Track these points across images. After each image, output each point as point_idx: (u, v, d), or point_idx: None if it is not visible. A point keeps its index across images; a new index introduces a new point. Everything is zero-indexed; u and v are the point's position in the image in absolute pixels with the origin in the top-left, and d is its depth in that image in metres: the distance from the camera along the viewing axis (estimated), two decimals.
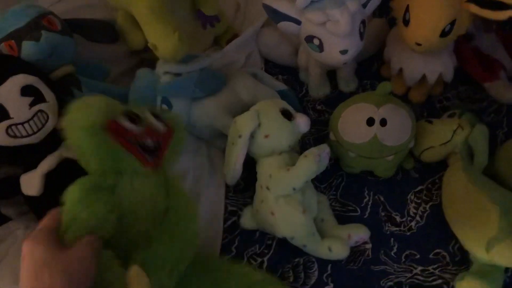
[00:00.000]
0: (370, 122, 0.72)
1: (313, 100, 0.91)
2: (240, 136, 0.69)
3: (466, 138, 0.74)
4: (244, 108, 0.79)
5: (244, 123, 0.69)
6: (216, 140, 0.80)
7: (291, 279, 0.70)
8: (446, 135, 0.75)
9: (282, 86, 0.85)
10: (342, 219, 0.74)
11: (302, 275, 0.70)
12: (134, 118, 0.62)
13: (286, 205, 0.67)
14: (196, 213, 0.66)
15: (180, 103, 0.76)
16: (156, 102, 0.75)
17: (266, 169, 0.70)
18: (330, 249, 0.68)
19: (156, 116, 0.66)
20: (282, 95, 0.83)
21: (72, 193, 0.53)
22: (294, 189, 0.67)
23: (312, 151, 0.66)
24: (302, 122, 0.71)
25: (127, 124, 0.60)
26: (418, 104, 0.89)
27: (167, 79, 0.74)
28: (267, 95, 0.79)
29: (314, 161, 0.65)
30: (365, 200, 0.78)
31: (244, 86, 0.79)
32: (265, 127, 0.69)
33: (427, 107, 0.89)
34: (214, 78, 0.77)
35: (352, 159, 0.76)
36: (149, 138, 0.63)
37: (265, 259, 0.72)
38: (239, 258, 0.72)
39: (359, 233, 0.71)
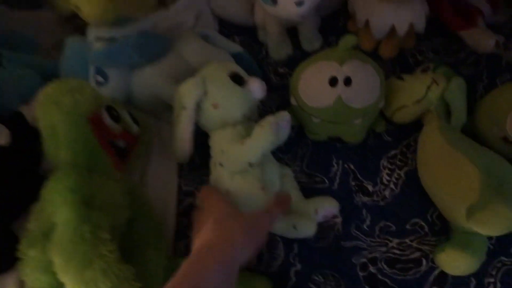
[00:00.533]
0: (333, 82, 0.63)
1: (274, 63, 0.82)
2: (184, 108, 0.60)
3: (441, 94, 0.67)
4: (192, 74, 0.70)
5: (187, 92, 0.60)
6: (163, 113, 0.71)
7: (254, 261, 0.63)
8: (419, 91, 0.67)
9: (237, 48, 0.76)
10: (309, 191, 0.67)
11: (266, 256, 0.63)
12: (114, 114, 0.59)
13: (243, 182, 0.60)
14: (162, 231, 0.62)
15: (117, 74, 0.66)
16: (89, 74, 0.66)
17: (218, 144, 0.62)
18: (295, 227, 0.61)
19: (132, 115, 0.64)
20: (238, 58, 0.74)
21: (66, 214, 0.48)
22: (250, 164, 0.59)
23: (269, 120, 0.58)
24: (256, 87, 0.62)
25: (108, 120, 0.58)
26: (389, 59, 0.80)
27: (100, 46, 0.64)
28: (219, 59, 0.70)
29: (271, 131, 0.57)
30: (333, 169, 0.70)
31: (193, 50, 0.69)
32: (212, 95, 0.61)
33: (399, 62, 0.81)
34: (155, 42, 0.67)
35: (316, 125, 0.68)
36: (122, 138, 0.60)
37: None
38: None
39: (327, 207, 0.64)
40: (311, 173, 0.70)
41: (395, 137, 0.72)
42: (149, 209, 0.61)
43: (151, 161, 0.69)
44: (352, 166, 0.70)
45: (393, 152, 0.71)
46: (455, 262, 0.58)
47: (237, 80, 0.62)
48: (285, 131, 0.59)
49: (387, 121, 0.73)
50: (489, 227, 0.54)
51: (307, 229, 0.62)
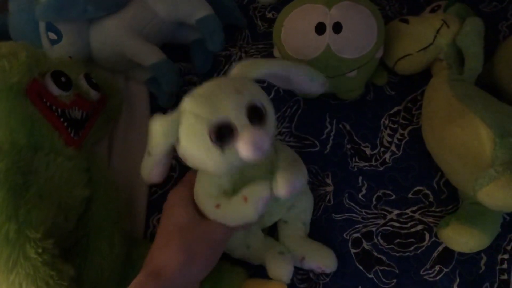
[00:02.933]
0: (320, 29, 0.53)
1: (262, 7, 0.71)
2: (149, 154, 0.47)
3: (453, 38, 0.56)
4: (163, 27, 0.61)
5: (154, 138, 0.45)
6: (133, 71, 0.63)
7: None
8: (426, 36, 0.57)
9: None
10: (300, 155, 0.58)
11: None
12: (63, 80, 0.51)
13: None
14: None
15: (71, 29, 0.57)
16: (39, 31, 0.58)
17: (196, 186, 0.48)
18: (268, 269, 0.50)
19: (90, 79, 0.55)
20: (216, 4, 0.64)
21: None
22: None
23: (258, 195, 0.43)
24: (245, 150, 0.41)
25: (53, 88, 0.50)
26: None
27: None
28: (191, 7, 0.60)
29: (254, 209, 0.43)
30: (326, 130, 0.61)
31: None
32: (184, 149, 0.44)
33: (408, 3, 0.69)
34: None
35: None
36: (76, 108, 0.52)
37: None
38: None
39: (319, 263, 0.52)
40: (300, 136, 0.61)
41: (398, 90, 0.62)
42: (111, 187, 0.54)
43: (119, 129, 0.62)
44: (348, 126, 0.61)
45: (396, 109, 0.61)
46: (462, 237, 0.49)
47: (221, 136, 0.41)
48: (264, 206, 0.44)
49: (390, 72, 0.62)
50: (499, 202, 0.45)
51: (278, 278, 0.49)
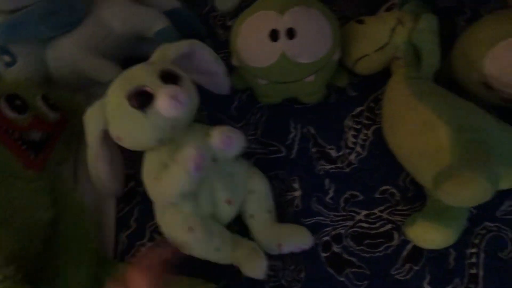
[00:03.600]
0: (274, 35, 0.53)
1: (222, 15, 0.71)
2: (89, 147, 0.50)
3: (409, 36, 0.56)
4: (121, 42, 0.61)
5: (87, 126, 0.49)
6: (94, 88, 0.62)
7: None
8: (382, 36, 0.57)
9: (174, 4, 0.66)
10: (265, 162, 0.58)
11: None
12: (18, 104, 0.51)
13: (171, 220, 0.50)
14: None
15: (26, 50, 0.58)
16: None
17: (143, 171, 0.51)
18: (241, 265, 0.51)
19: (47, 100, 0.55)
20: (175, 14, 0.64)
21: None
22: (170, 201, 0.49)
23: (185, 156, 0.45)
24: (164, 105, 0.45)
25: (8, 111, 0.50)
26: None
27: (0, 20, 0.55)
28: (148, 21, 0.60)
29: (186, 170, 0.45)
30: (291, 135, 0.61)
31: (114, 13, 0.60)
32: (113, 126, 0.48)
33: (364, 2, 0.69)
34: (66, 7, 0.57)
35: (265, 87, 0.58)
36: (35, 130, 0.52)
37: None
38: (139, 234, 0.58)
39: (295, 243, 0.53)
40: (266, 142, 0.61)
41: (361, 91, 0.62)
42: (77, 207, 0.54)
43: (84, 148, 0.61)
44: (312, 130, 0.61)
45: (359, 109, 0.61)
46: (429, 235, 0.50)
47: (140, 99, 0.46)
48: (204, 166, 0.46)
49: (351, 73, 0.62)
50: (458, 198, 0.45)
51: (254, 273, 0.51)
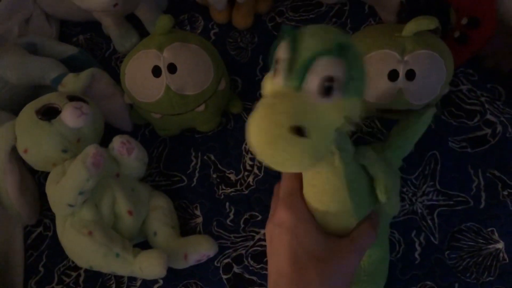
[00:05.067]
0: (156, 72, 0.55)
1: (123, 57, 0.73)
2: None
3: None
4: (18, 92, 0.63)
5: None
6: None
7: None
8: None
9: (71, 51, 0.68)
10: (169, 193, 0.60)
11: (125, 283, 0.57)
12: None
13: (70, 229, 0.52)
14: None
15: None
16: None
17: (47, 185, 0.54)
18: (141, 269, 0.52)
19: None
20: (73, 60, 0.67)
21: None
22: (70, 205, 0.51)
23: (85, 152, 0.50)
24: (67, 115, 0.52)
25: None
26: (246, 29, 0.72)
27: None
28: (43, 69, 0.62)
29: (83, 167, 0.49)
30: (192, 164, 0.63)
31: (6, 65, 0.61)
32: (20, 140, 0.53)
33: (257, 30, 0.72)
34: None
35: (160, 120, 0.60)
36: None
37: (82, 271, 0.59)
38: (49, 278, 0.58)
39: (201, 251, 0.55)
40: (169, 173, 0.63)
41: None
42: None
43: None
44: (212, 157, 0.63)
45: None
46: None
47: (49, 113, 0.52)
48: (101, 164, 0.50)
49: (247, 99, 0.66)
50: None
51: (154, 272, 0.52)
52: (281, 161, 0.33)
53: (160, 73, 0.55)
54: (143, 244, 0.57)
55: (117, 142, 0.54)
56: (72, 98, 0.55)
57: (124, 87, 0.59)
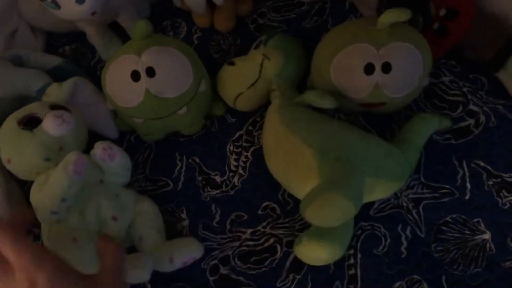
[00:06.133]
0: (135, 76, 0.56)
1: None
2: None
3: (278, 68, 0.60)
4: (4, 104, 0.64)
5: None
6: None
7: None
8: (252, 73, 0.60)
9: (56, 61, 0.69)
10: (155, 198, 0.60)
11: None
12: None
13: (56, 237, 0.53)
14: None
15: None
16: None
17: (31, 194, 0.54)
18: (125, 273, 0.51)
19: None
20: (58, 70, 0.67)
21: None
22: (54, 212, 0.51)
23: (66, 159, 0.51)
24: (48, 124, 0.53)
25: None
26: (228, 32, 0.73)
27: None
28: (27, 81, 0.63)
29: (64, 173, 0.50)
30: (177, 168, 0.63)
31: None
32: (4, 150, 0.54)
33: (240, 33, 0.73)
34: None
35: (143, 125, 0.61)
36: None
37: None
38: None
39: (186, 253, 0.55)
40: (155, 178, 0.63)
41: (239, 117, 0.65)
42: None
43: None
44: (197, 160, 0.63)
45: (238, 134, 0.64)
46: (314, 253, 0.51)
47: (30, 122, 0.53)
48: (83, 170, 0.51)
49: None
50: (321, 220, 0.47)
51: (136, 278, 0.52)
52: None
53: (139, 77, 0.56)
54: (131, 249, 0.57)
55: (98, 148, 0.54)
56: (54, 107, 0.55)
57: (105, 93, 0.60)
